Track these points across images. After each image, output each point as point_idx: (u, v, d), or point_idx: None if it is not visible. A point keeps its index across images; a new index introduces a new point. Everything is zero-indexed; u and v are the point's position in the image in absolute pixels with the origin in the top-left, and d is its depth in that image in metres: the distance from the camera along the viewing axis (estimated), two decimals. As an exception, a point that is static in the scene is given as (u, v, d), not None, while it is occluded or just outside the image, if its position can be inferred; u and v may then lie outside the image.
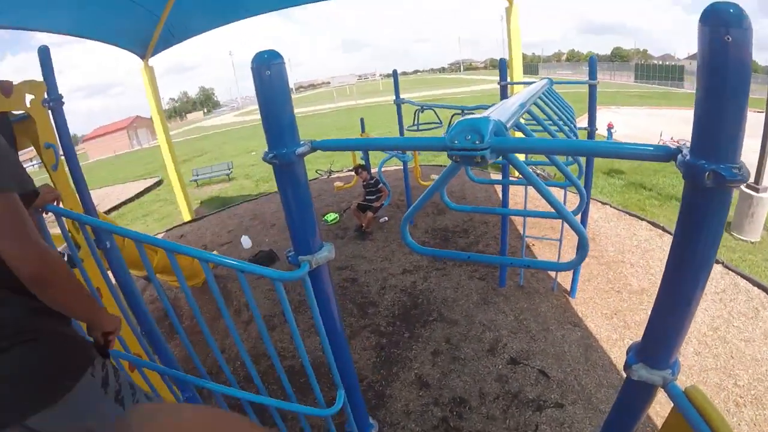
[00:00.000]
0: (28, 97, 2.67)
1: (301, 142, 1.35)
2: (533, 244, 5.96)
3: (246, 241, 7.69)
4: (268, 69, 1.27)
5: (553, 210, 1.23)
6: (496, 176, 8.33)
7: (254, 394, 2.07)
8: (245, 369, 4.04)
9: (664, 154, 0.88)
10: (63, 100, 2.84)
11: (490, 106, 4.71)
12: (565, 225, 4.86)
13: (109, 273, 2.51)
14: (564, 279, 4.92)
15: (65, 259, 2.31)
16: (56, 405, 1.33)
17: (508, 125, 1.21)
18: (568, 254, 5.25)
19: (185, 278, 5.31)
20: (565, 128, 2.52)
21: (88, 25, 7.91)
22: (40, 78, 2.71)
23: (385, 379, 3.89)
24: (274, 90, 1.29)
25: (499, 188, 8.06)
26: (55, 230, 2.13)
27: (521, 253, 5.03)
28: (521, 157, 3.63)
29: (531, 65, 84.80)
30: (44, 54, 2.71)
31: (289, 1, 9.54)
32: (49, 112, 2.78)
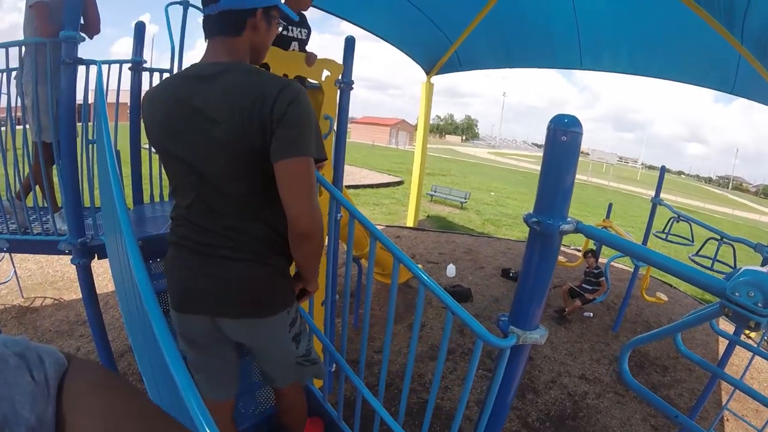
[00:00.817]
0: (325, 73, 3.10)
1: (568, 219, 1.29)
2: (727, 420, 5.03)
3: (451, 270, 7.83)
4: (564, 134, 1.24)
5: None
6: (724, 324, 7.19)
7: (390, 416, 2.06)
8: (388, 378, 4.00)
9: None
10: (353, 86, 3.24)
11: (754, 244, 4.09)
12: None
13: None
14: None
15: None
16: (251, 321, 1.59)
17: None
18: None
19: (385, 275, 5.55)
20: None
21: (392, 31, 9.05)
22: (336, 59, 3.15)
23: (506, 471, 3.63)
24: (563, 156, 1.25)
25: (722, 342, 6.97)
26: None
27: (712, 423, 4.28)
28: None
29: None
30: (350, 43, 3.19)
31: (569, 64, 9.55)
32: (338, 91, 3.19)
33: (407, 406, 3.54)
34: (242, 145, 1.37)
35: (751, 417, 4.94)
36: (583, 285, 7.08)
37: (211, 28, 1.47)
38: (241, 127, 1.34)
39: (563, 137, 1.24)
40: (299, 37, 3.46)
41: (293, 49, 3.33)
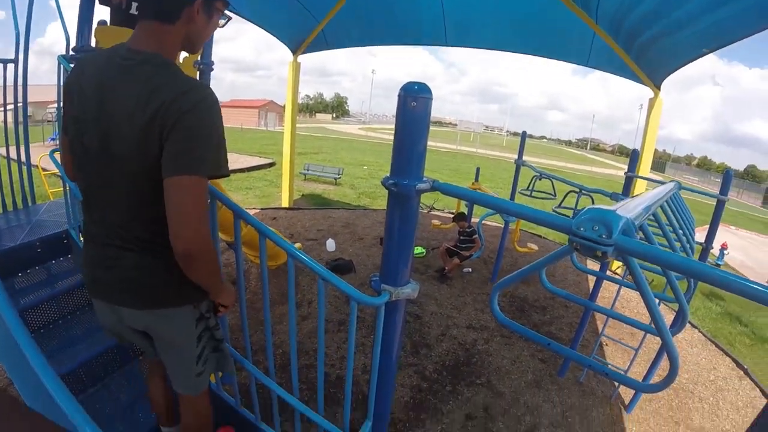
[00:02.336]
0: (183, 54, 2.97)
1: (424, 179, 1.37)
2: (606, 344, 5.63)
3: (331, 245, 7.89)
4: (414, 100, 1.30)
5: (639, 317, 1.16)
6: (592, 264, 7.98)
7: (287, 392, 2.10)
8: (284, 359, 4.13)
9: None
10: (213, 67, 3.12)
11: (609, 193, 4.57)
12: (648, 336, 4.58)
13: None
14: (625, 390, 4.61)
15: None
16: (149, 311, 1.56)
17: (636, 225, 1.16)
18: (640, 366, 4.94)
19: (258, 256, 5.51)
20: (683, 239, 2.39)
21: (256, 10, 8.72)
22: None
23: (411, 422, 3.81)
24: (414, 121, 1.32)
25: (591, 277, 7.74)
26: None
27: (593, 349, 4.78)
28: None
29: (659, 162, 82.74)
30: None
31: (435, 41, 9.85)
32: (198, 73, 3.06)
33: (309, 381, 3.61)
34: (136, 160, 1.34)
35: (627, 340, 5.56)
36: (459, 244, 7.46)
37: (145, 9, 1.40)
38: (136, 146, 1.31)
39: (413, 103, 1.30)
40: None
41: None
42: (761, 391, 5.14)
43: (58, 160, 3.04)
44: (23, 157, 3.77)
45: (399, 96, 1.32)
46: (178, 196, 1.29)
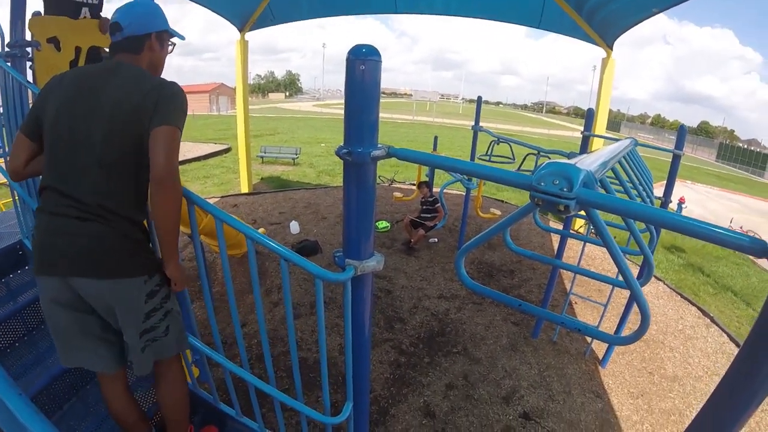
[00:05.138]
0: None
1: (378, 146, 1.32)
2: (576, 303, 5.76)
3: (294, 227, 7.79)
4: (363, 64, 1.24)
5: (605, 273, 1.14)
6: (555, 224, 8.12)
7: (263, 382, 2.04)
8: (259, 348, 4.01)
9: (760, 249, 0.80)
10: None
11: (567, 153, 4.59)
12: (615, 291, 4.68)
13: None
14: (598, 346, 4.73)
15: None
16: (103, 281, 1.66)
17: (597, 179, 1.13)
18: (610, 321, 5.06)
19: (228, 247, 5.40)
20: (644, 193, 2.41)
21: None
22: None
23: (393, 397, 3.82)
24: (364, 86, 1.26)
25: (555, 237, 7.87)
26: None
27: (563, 309, 4.87)
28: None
29: (614, 122, 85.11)
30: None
31: (385, 9, 9.79)
32: None
33: (288, 368, 3.57)
34: (117, 138, 1.64)
35: (595, 296, 5.66)
36: (422, 215, 7.46)
37: (116, 49, 1.83)
38: (121, 126, 1.63)
39: (362, 66, 1.24)
40: (90, 1, 3.09)
41: (84, 16, 2.98)
42: (728, 336, 5.35)
43: (4, 167, 2.88)
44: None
45: (347, 60, 1.26)
46: (162, 137, 1.63)
